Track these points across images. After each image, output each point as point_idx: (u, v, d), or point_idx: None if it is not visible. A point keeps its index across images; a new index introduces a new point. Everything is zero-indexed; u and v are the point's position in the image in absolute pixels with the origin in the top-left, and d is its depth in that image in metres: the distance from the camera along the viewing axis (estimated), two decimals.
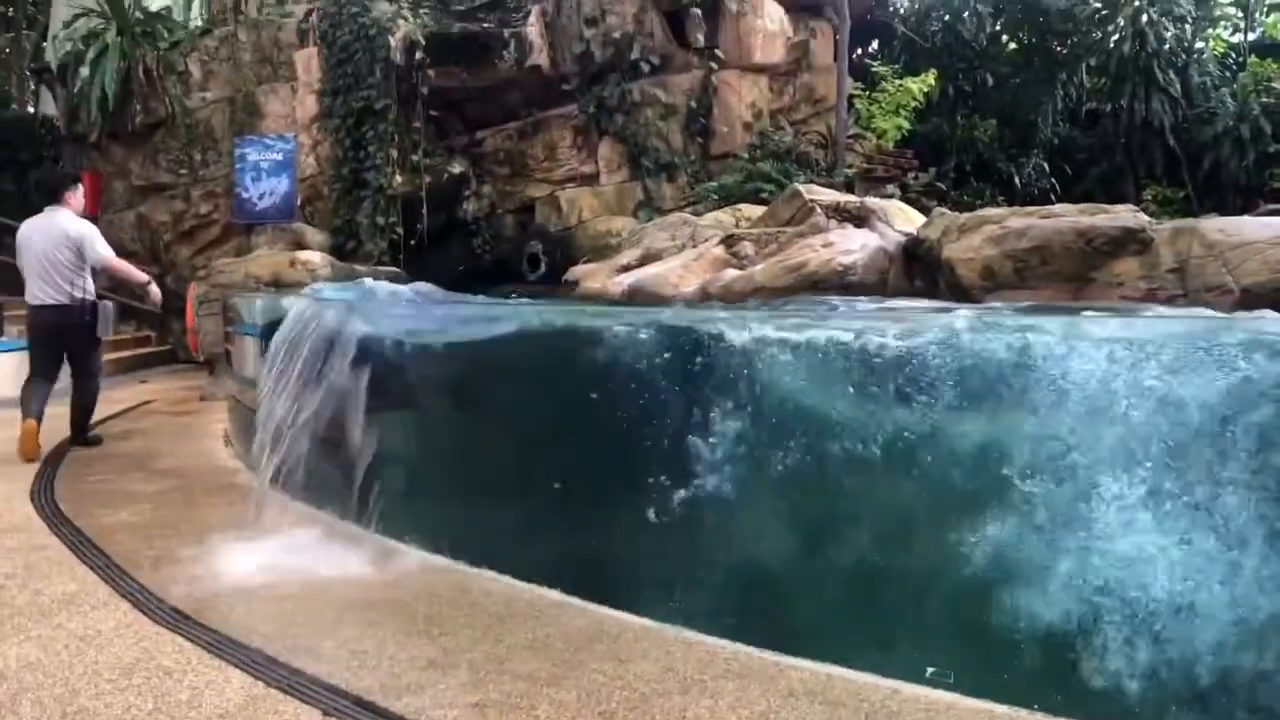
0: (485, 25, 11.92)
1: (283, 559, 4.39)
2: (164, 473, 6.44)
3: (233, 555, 4.47)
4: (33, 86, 21.78)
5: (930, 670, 2.98)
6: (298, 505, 5.42)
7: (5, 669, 3.12)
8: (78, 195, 7.34)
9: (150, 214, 14.12)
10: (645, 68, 11.61)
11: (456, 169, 12.26)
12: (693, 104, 11.71)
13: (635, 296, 6.18)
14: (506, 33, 11.71)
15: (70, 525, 4.98)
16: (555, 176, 12.20)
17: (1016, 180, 13.56)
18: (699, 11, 11.59)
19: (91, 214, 14.12)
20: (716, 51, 11.67)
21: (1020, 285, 5.11)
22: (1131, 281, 4.98)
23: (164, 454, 7.13)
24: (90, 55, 13.50)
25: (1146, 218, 5.24)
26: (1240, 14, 15.31)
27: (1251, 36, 15.36)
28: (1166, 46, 13.13)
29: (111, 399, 9.11)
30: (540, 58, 11.73)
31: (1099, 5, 13.58)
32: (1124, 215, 5.20)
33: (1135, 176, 13.24)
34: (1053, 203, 11.13)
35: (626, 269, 7.08)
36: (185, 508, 5.40)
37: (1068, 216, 5.26)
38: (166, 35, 14.20)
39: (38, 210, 7.12)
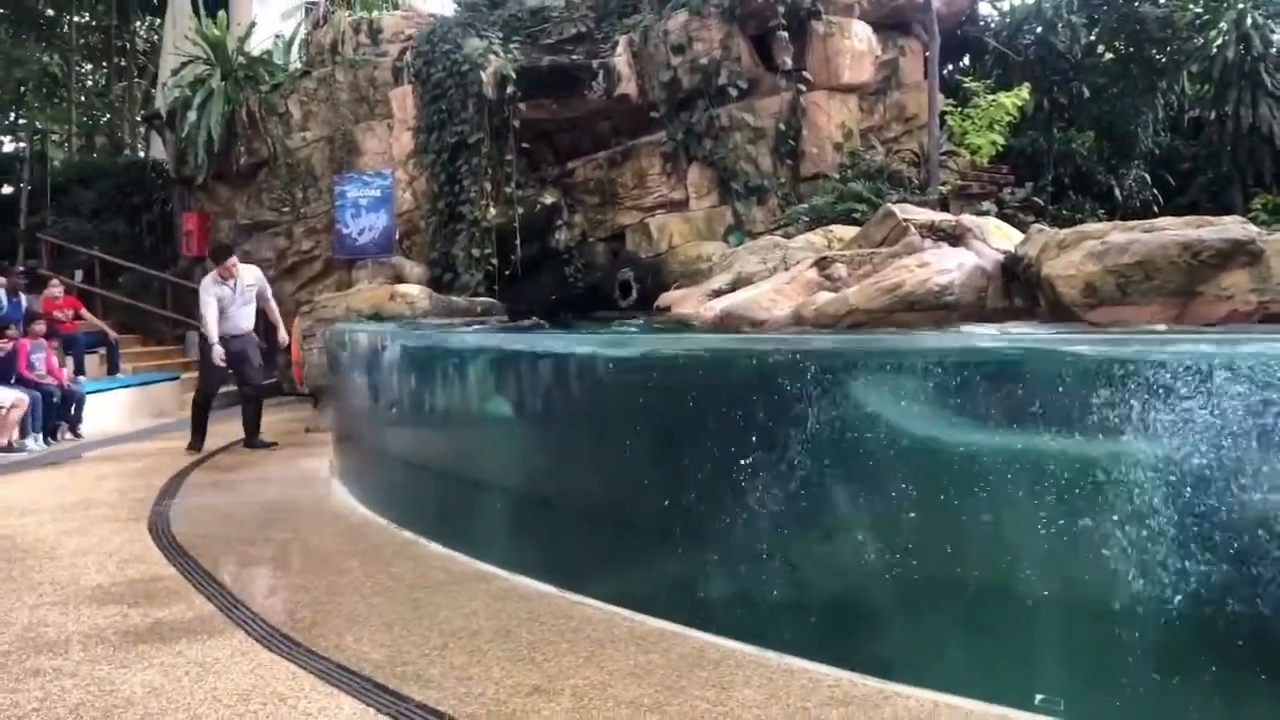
0: (574, 57, 12.07)
1: (387, 584, 4.49)
2: (272, 503, 6.63)
3: (340, 583, 4.59)
4: (143, 132, 22.75)
5: (1039, 698, 2.92)
6: (401, 532, 5.55)
7: (132, 695, 3.25)
8: (219, 265, 9.29)
9: (255, 251, 14.59)
10: (733, 92, 11.62)
11: (548, 199, 12.42)
12: (781, 126, 11.67)
13: (727, 321, 6.16)
14: (595, 64, 11.85)
15: (186, 555, 5.16)
16: (645, 203, 12.27)
17: (1117, 192, 13.20)
18: (785, 34, 11.56)
19: (199, 254, 14.75)
20: (804, 73, 11.62)
21: (1123, 301, 4.97)
22: (1241, 295, 4.80)
23: (273, 483, 7.35)
24: (196, 100, 14.06)
25: (1255, 228, 5.05)
26: None
27: None
28: (1274, 50, 12.68)
29: (223, 432, 9.48)
30: (628, 87, 11.84)
31: (1199, 10, 13.19)
32: (1231, 226, 5.02)
33: (1243, 185, 12.77)
34: (1155, 214, 10.80)
35: (718, 294, 7.06)
36: (295, 538, 5.56)
37: (1171, 230, 5.10)
38: (267, 78, 14.71)
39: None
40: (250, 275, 9.57)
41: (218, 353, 8.93)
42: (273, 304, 9.76)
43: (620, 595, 4.06)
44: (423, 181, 12.88)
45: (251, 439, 9.21)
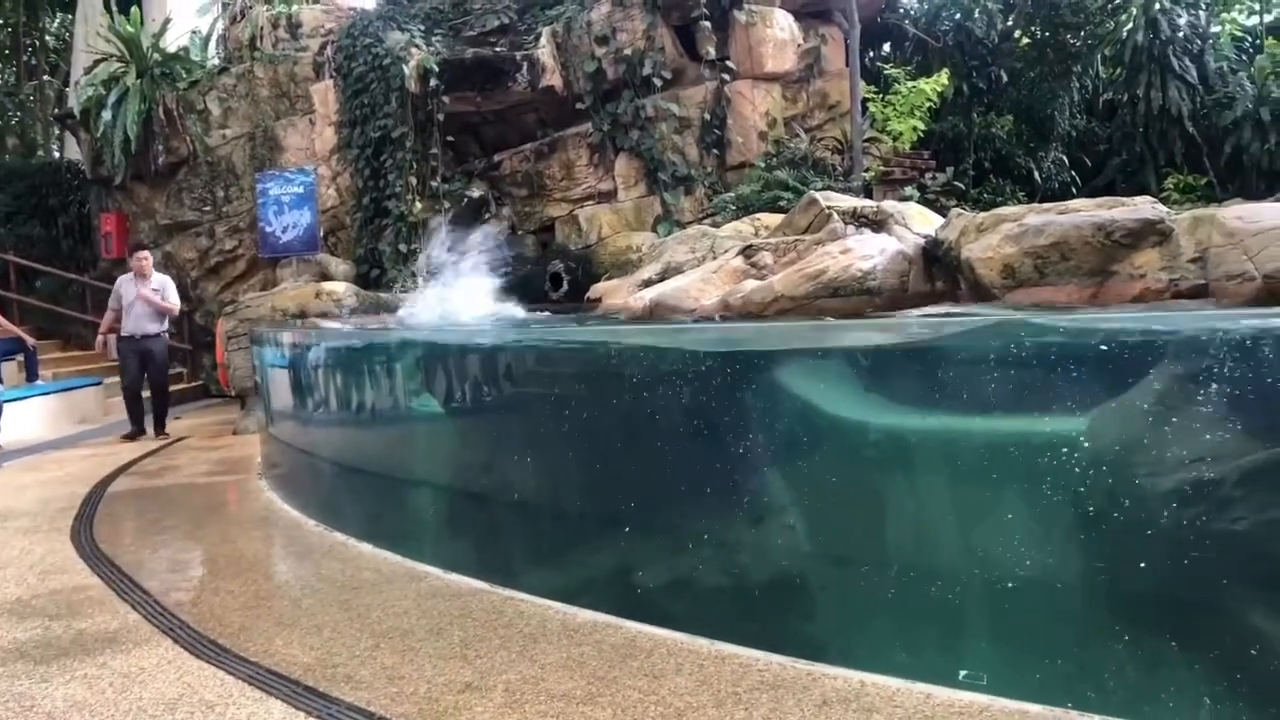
0: (497, 49, 12.01)
1: (316, 586, 4.45)
2: (199, 507, 6.52)
3: (269, 586, 4.54)
4: (57, 133, 22.13)
5: (963, 673, 2.98)
6: (331, 533, 5.49)
7: (54, 710, 3.18)
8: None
9: (177, 252, 14.30)
10: (658, 83, 11.66)
11: (475, 193, 12.34)
12: (707, 116, 11.74)
13: (656, 311, 6.19)
14: (519, 55, 11.81)
15: (111, 564, 5.06)
16: (573, 195, 12.26)
17: (1036, 175, 13.49)
18: (708, 24, 11.63)
19: (119, 256, 14.42)
20: (728, 62, 11.70)
21: (1041, 282, 5.08)
22: (1153, 273, 4.93)
23: (199, 487, 7.23)
24: (111, 99, 13.68)
25: (1165, 208, 5.20)
26: None
27: (1268, 18, 15.18)
28: (1181, 33, 13.03)
29: (147, 437, 9.34)
30: (553, 78, 11.81)
31: None
32: (1142, 207, 5.16)
33: (1156, 165, 13.11)
34: (1074, 196, 11.06)
35: (647, 284, 7.09)
36: (223, 543, 5.47)
37: (1085, 211, 5.23)
38: (185, 75, 14.36)
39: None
40: (157, 280, 10.21)
41: (98, 341, 10.34)
42: (165, 304, 10.22)
43: (552, 588, 4.06)
44: (347, 177, 12.75)
45: (158, 428, 10.15)
